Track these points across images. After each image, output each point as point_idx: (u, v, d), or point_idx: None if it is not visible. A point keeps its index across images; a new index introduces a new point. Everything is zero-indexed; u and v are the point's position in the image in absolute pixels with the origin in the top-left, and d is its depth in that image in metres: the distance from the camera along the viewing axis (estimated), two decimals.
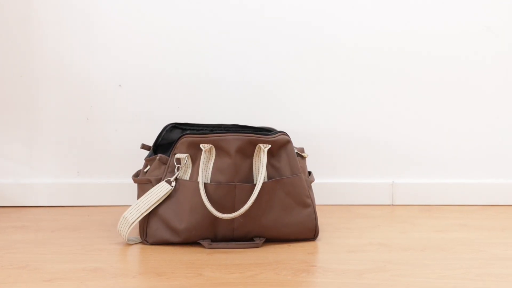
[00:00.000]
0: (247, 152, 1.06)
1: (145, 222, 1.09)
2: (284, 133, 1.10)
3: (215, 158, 1.06)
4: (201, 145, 1.06)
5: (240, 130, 1.14)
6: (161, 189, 1.07)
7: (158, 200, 1.07)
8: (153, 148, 1.22)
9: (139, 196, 1.13)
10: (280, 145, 1.09)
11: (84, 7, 1.43)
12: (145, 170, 1.14)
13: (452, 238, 1.16)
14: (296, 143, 1.38)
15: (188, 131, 1.23)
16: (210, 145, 1.06)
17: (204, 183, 1.05)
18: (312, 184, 1.21)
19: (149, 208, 1.07)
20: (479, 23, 1.48)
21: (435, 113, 1.50)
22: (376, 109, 1.49)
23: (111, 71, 1.45)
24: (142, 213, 1.07)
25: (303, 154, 1.16)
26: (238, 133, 1.06)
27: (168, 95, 1.46)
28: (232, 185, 1.05)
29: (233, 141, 1.05)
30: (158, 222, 1.08)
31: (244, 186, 1.05)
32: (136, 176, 1.17)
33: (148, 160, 1.13)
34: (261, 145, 1.06)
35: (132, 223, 1.06)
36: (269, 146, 1.06)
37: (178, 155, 1.08)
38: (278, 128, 1.40)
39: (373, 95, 1.49)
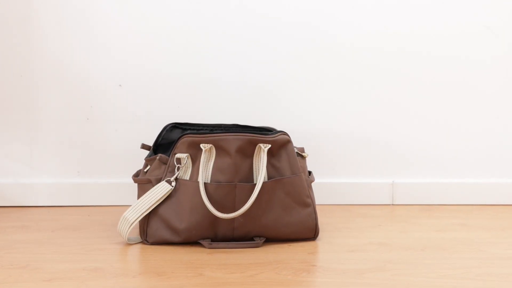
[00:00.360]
0: (247, 152, 1.06)
1: (145, 222, 1.09)
2: (284, 133, 1.10)
3: (215, 158, 1.06)
4: (201, 145, 1.06)
5: (240, 130, 1.14)
6: (161, 189, 1.07)
7: (158, 200, 1.07)
8: (153, 148, 1.22)
9: (139, 196, 1.13)
10: (280, 145, 1.09)
11: (84, 7, 1.43)
12: (145, 170, 1.14)
13: (452, 237, 1.16)
14: (296, 143, 1.38)
15: (188, 131, 1.23)
16: (210, 145, 1.06)
17: (204, 183, 1.05)
18: (312, 184, 1.21)
19: (149, 208, 1.07)
20: (479, 23, 1.48)
21: (435, 113, 1.50)
22: (376, 109, 1.49)
23: (111, 71, 1.45)
24: (142, 213, 1.07)
25: (303, 153, 1.16)
26: (238, 133, 1.06)
27: (168, 95, 1.46)
28: (232, 185, 1.05)
29: (233, 141, 1.05)
30: (158, 222, 1.08)
31: (244, 186, 1.05)
32: (136, 176, 1.17)
33: (148, 160, 1.13)
34: (261, 145, 1.06)
35: (132, 223, 1.06)
36: (269, 146, 1.06)
37: (178, 155, 1.08)
38: (278, 128, 1.40)
39: (373, 95, 1.49)
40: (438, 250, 1.07)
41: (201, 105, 1.46)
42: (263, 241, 1.08)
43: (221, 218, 1.03)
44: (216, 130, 1.26)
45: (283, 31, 1.46)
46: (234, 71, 1.46)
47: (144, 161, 1.17)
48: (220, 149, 1.06)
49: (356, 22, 1.47)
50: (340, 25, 1.47)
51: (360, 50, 1.48)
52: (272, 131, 1.14)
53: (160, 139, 1.24)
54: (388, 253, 1.04)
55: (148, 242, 1.09)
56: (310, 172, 1.19)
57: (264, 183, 1.05)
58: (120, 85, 1.45)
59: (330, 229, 1.22)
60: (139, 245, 1.09)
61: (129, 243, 1.09)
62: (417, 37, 1.48)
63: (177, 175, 1.08)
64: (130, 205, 1.10)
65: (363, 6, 1.47)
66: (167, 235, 1.07)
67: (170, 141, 1.25)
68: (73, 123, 1.45)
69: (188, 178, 1.08)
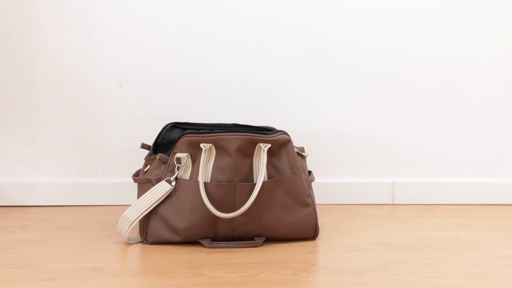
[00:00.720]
0: (247, 152, 1.06)
1: (145, 222, 1.09)
2: (284, 133, 1.10)
3: (215, 158, 1.06)
4: (201, 145, 1.06)
5: (240, 129, 1.14)
6: (161, 189, 1.07)
7: (158, 199, 1.07)
8: (153, 148, 1.22)
9: (139, 195, 1.13)
10: (280, 145, 1.09)
11: (84, 7, 1.43)
12: (145, 170, 1.14)
13: (452, 237, 1.16)
14: (296, 142, 1.38)
15: (188, 131, 1.23)
16: (210, 144, 1.06)
17: (204, 183, 1.05)
18: (312, 184, 1.21)
19: (149, 207, 1.07)
20: (479, 23, 1.48)
21: (435, 113, 1.50)
22: (376, 109, 1.49)
23: (111, 71, 1.45)
24: (142, 213, 1.07)
25: (303, 153, 1.16)
26: (238, 132, 1.06)
27: (168, 95, 1.46)
28: (232, 185, 1.05)
29: (233, 140, 1.05)
30: (158, 222, 1.08)
31: (244, 186, 1.05)
32: (136, 176, 1.17)
33: (148, 160, 1.13)
34: (261, 144, 1.06)
35: (132, 223, 1.06)
36: (269, 145, 1.06)
37: (178, 155, 1.08)
38: (278, 127, 1.40)
39: (373, 95, 1.49)
40: (438, 250, 1.07)
41: (201, 105, 1.46)
42: (263, 240, 1.08)
43: (221, 218, 1.03)
44: (216, 129, 1.26)
45: (283, 31, 1.46)
46: (234, 71, 1.46)
47: (144, 160, 1.17)
48: (220, 149, 1.06)
49: (356, 22, 1.47)
50: (340, 25, 1.47)
51: (360, 50, 1.48)
52: (272, 131, 1.14)
53: (160, 138, 1.24)
54: (388, 253, 1.04)
55: (148, 241, 1.09)
56: (310, 172, 1.19)
57: (264, 182, 1.05)
58: (120, 85, 1.45)
59: (330, 229, 1.22)
60: (139, 245, 1.09)
61: (129, 243, 1.09)
62: (417, 37, 1.48)
63: (177, 174, 1.08)
64: (130, 205, 1.10)
65: (363, 7, 1.47)
66: (167, 234, 1.07)
67: (170, 140, 1.25)
68: (73, 123, 1.45)
69: (188, 178, 1.08)
